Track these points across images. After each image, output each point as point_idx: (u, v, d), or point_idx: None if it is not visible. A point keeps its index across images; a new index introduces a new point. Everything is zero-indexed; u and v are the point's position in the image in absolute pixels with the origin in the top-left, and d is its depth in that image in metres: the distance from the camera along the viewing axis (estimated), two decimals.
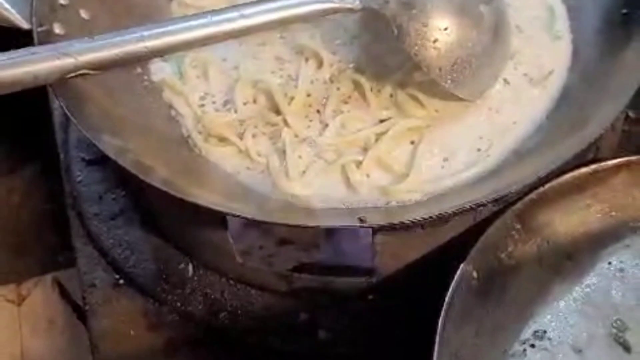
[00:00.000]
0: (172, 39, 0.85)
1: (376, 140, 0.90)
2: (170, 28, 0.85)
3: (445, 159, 0.88)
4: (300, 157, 0.89)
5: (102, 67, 0.83)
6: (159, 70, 0.98)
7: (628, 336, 0.79)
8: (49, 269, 1.21)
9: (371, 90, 0.93)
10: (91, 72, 0.83)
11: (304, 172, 0.88)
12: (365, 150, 0.89)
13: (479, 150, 0.89)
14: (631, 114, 0.99)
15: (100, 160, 1.02)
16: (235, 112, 0.93)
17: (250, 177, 0.90)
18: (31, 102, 1.04)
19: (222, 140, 0.92)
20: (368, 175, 0.88)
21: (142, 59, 0.85)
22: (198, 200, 0.81)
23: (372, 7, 0.87)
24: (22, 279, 1.22)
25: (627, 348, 0.79)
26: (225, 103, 0.95)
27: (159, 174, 0.84)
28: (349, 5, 0.88)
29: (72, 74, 0.82)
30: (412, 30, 0.86)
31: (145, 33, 0.84)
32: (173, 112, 0.96)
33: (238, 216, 0.80)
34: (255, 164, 0.90)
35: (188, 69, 0.97)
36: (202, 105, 0.95)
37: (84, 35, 0.85)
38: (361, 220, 0.79)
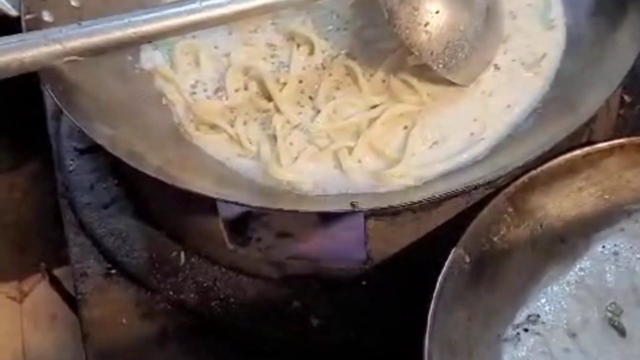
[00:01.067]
0: (160, 25, 0.84)
1: (368, 126, 0.89)
2: (158, 14, 0.85)
3: (438, 144, 0.88)
4: (291, 143, 0.89)
5: (90, 53, 0.83)
6: (150, 57, 0.97)
7: (623, 320, 0.78)
8: (51, 266, 1.20)
9: (363, 76, 0.92)
10: (78, 58, 0.82)
11: (295, 158, 0.87)
12: (357, 135, 0.89)
13: (472, 134, 0.88)
14: (627, 98, 0.98)
15: (92, 150, 1.01)
16: (227, 99, 0.93)
17: (241, 164, 0.89)
18: (32, 98, 1.04)
19: (213, 127, 0.91)
20: (360, 161, 0.87)
21: (130, 45, 0.85)
22: (189, 186, 0.80)
23: None
24: (23, 275, 1.22)
25: (621, 332, 0.78)
26: (217, 90, 0.95)
27: (151, 161, 0.84)
28: None
29: (60, 61, 0.82)
30: (402, 13, 0.85)
31: (133, 19, 0.83)
32: (164, 100, 0.95)
33: (229, 202, 0.80)
34: (247, 150, 0.89)
35: (179, 57, 0.97)
36: (194, 93, 0.95)
37: (73, 22, 0.85)
38: (353, 205, 0.78)
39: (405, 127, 0.89)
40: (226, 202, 0.79)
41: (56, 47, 0.81)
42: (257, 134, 0.90)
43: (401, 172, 0.84)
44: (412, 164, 0.85)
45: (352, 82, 0.93)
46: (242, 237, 0.94)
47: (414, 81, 0.91)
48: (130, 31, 0.83)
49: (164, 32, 0.85)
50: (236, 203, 0.79)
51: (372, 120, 0.89)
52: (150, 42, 0.86)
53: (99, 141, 0.83)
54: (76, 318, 1.01)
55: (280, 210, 0.80)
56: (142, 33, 0.84)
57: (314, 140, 0.89)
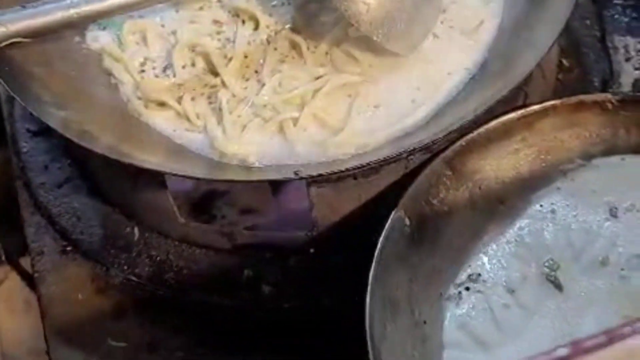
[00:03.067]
0: (102, 4, 0.85)
1: (313, 96, 0.91)
2: None
3: (380, 111, 0.89)
4: (238, 116, 0.90)
5: (35, 34, 0.84)
6: (98, 38, 0.98)
7: (559, 275, 0.80)
8: (25, 252, 1.21)
9: (308, 49, 0.94)
10: (24, 40, 0.84)
11: (241, 131, 0.89)
12: (302, 107, 0.90)
13: (413, 101, 0.90)
14: (565, 62, 1.01)
15: (45, 131, 1.03)
16: (174, 76, 0.94)
17: (190, 139, 0.90)
18: None
19: (161, 104, 0.93)
20: (305, 131, 0.89)
21: (74, 25, 0.86)
22: (137, 162, 0.82)
23: None
24: None
25: (558, 286, 0.80)
26: (165, 68, 0.96)
27: (101, 140, 0.85)
28: None
29: (4, 43, 0.83)
30: None
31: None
32: (113, 80, 0.96)
33: (175, 175, 0.82)
34: (194, 125, 0.91)
35: (126, 36, 0.98)
36: (142, 71, 0.96)
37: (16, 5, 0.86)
38: (296, 173, 0.80)
39: (349, 96, 0.91)
40: (172, 174, 0.82)
41: (0, 30, 0.82)
42: (204, 108, 0.92)
43: (344, 141, 0.86)
44: (354, 132, 0.87)
45: (297, 55, 0.94)
46: (206, 215, 0.96)
47: (356, 52, 0.92)
48: (73, 11, 0.85)
49: (107, 11, 0.86)
50: (182, 176, 0.81)
51: (316, 91, 0.91)
52: (94, 21, 0.88)
53: (49, 123, 0.85)
54: None
55: (224, 181, 0.82)
56: (85, 13, 0.85)
57: (260, 113, 0.90)
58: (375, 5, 0.88)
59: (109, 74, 0.96)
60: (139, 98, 0.93)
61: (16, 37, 0.83)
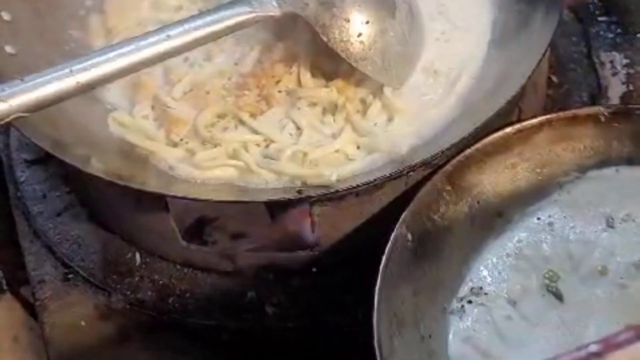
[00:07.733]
0: (101, 70, 0.82)
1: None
2: (98, 59, 0.82)
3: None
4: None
5: (36, 108, 0.80)
6: None
7: (560, 285, 0.82)
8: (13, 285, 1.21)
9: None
10: (25, 114, 0.79)
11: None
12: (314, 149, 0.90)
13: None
14: (554, 78, 1.03)
15: (42, 160, 1.03)
16: None
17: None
18: None
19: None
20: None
21: (74, 94, 0.81)
22: (141, 186, 0.83)
23: (293, 11, 0.89)
24: None
25: (559, 297, 0.81)
26: None
27: (99, 166, 0.86)
28: (270, 13, 0.88)
29: (7, 119, 0.78)
30: (335, 27, 0.88)
31: (75, 67, 0.81)
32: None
33: (179, 197, 0.83)
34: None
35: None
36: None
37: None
38: (299, 192, 0.82)
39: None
40: (176, 197, 0.82)
41: (3, 106, 0.78)
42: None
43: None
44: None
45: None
46: (198, 241, 0.96)
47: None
48: (72, 80, 0.80)
49: (107, 77, 0.82)
50: (185, 198, 0.82)
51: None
52: (94, 88, 0.84)
53: (48, 149, 0.85)
54: (37, 340, 1.02)
55: (228, 202, 0.83)
56: (85, 81, 0.81)
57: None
58: (370, 43, 0.89)
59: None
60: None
61: (18, 113, 0.78)
